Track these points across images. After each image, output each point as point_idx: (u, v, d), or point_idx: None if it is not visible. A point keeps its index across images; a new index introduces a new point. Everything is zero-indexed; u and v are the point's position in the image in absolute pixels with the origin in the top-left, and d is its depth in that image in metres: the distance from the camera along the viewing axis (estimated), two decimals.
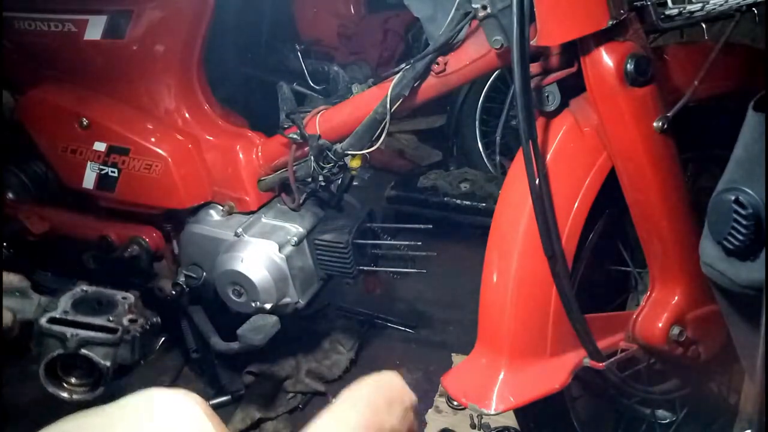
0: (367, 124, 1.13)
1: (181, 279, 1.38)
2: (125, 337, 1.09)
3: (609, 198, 0.97)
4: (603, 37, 0.87)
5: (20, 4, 1.35)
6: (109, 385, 1.08)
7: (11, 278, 1.08)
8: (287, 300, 1.31)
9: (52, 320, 1.07)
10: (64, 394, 1.06)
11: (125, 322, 1.10)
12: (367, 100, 1.14)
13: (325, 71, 1.79)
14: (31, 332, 1.07)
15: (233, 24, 1.44)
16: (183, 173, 1.33)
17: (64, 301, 1.10)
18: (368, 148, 1.16)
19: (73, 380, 1.07)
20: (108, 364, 1.07)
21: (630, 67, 0.87)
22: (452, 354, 1.69)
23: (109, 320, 1.09)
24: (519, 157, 0.93)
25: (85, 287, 1.13)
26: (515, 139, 0.87)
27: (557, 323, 0.94)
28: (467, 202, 2.16)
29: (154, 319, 1.19)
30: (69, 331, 1.05)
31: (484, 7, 0.92)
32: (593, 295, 1.05)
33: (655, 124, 0.90)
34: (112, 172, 1.36)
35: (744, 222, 0.65)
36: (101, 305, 1.11)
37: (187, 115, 1.36)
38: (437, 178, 2.25)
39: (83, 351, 1.05)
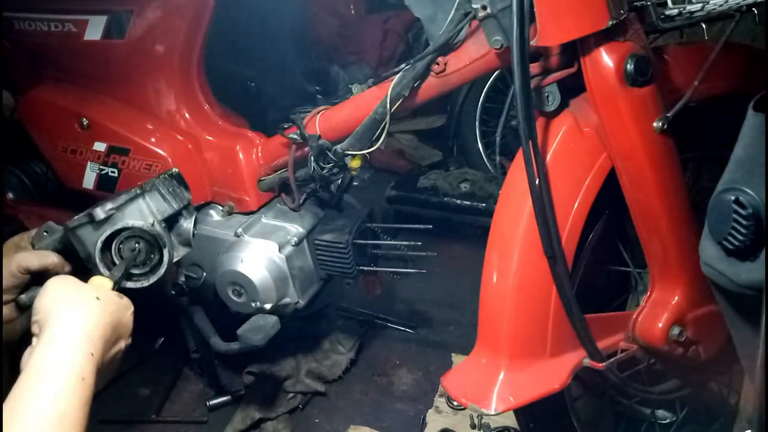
0: (367, 124, 1.13)
1: (181, 279, 1.38)
2: (146, 188, 1.01)
3: (609, 198, 0.97)
4: (603, 37, 0.87)
5: (20, 4, 1.35)
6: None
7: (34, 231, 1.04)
8: (287, 300, 1.31)
9: (74, 219, 0.99)
10: (136, 284, 0.98)
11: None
12: (367, 100, 1.14)
13: (325, 71, 1.79)
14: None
15: (233, 24, 1.44)
16: (183, 173, 1.32)
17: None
18: (368, 149, 1.16)
19: (138, 270, 0.98)
20: (151, 220, 0.99)
21: (630, 67, 0.87)
22: (452, 354, 1.69)
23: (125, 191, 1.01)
24: (519, 157, 0.93)
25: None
26: (515, 139, 0.87)
27: (557, 323, 0.94)
28: (467, 202, 2.16)
29: (173, 170, 1.11)
30: (94, 209, 0.97)
31: (484, 7, 0.92)
32: (593, 295, 1.05)
33: (655, 124, 0.90)
34: (112, 172, 1.36)
35: (744, 222, 0.65)
36: None
37: (187, 115, 1.36)
38: (437, 178, 2.25)
39: (120, 224, 0.96)
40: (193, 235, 1.07)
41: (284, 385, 1.59)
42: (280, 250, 1.28)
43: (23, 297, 0.95)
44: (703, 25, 0.93)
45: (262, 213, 1.36)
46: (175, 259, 1.03)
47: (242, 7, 1.33)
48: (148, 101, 1.36)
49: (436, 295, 1.94)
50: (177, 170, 1.11)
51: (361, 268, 1.29)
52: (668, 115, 0.90)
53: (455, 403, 1.51)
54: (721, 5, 0.88)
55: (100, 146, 1.37)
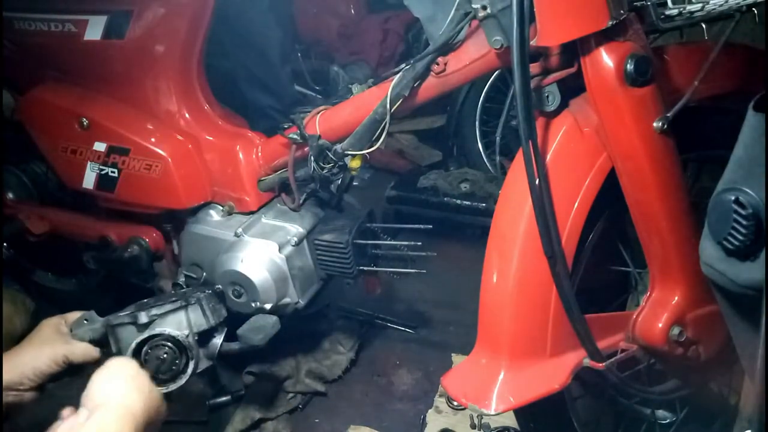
0: (367, 124, 1.13)
1: (181, 279, 1.38)
2: (190, 301, 1.07)
3: (609, 198, 0.97)
4: (603, 37, 0.87)
5: (20, 4, 1.35)
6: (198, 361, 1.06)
7: (74, 315, 1.08)
8: (287, 300, 1.31)
9: (118, 316, 1.06)
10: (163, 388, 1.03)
11: (182, 294, 1.10)
12: (367, 101, 1.14)
13: (325, 71, 1.80)
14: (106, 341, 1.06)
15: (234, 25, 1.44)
16: (183, 173, 1.33)
17: (127, 309, 1.09)
18: (368, 149, 1.16)
19: (161, 376, 1.03)
20: (185, 332, 1.04)
21: (630, 67, 0.87)
22: (452, 354, 1.69)
23: (170, 299, 1.08)
24: (519, 157, 0.93)
25: (142, 301, 1.12)
26: (515, 139, 0.87)
27: (557, 323, 0.94)
28: (467, 202, 2.16)
29: (216, 287, 1.21)
30: (138, 311, 1.04)
31: (484, 7, 0.92)
32: (593, 295, 1.05)
33: (654, 124, 0.90)
34: (112, 172, 1.36)
35: (744, 222, 0.65)
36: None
37: (187, 115, 1.36)
38: (437, 178, 2.25)
39: (157, 330, 1.03)
40: (220, 352, 1.12)
41: (284, 385, 1.59)
42: (280, 250, 1.28)
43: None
44: (703, 25, 0.93)
45: (262, 213, 1.36)
46: (198, 371, 1.07)
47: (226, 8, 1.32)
48: (148, 101, 1.36)
49: (436, 295, 1.94)
50: (221, 288, 1.22)
51: (361, 268, 1.29)
52: (668, 115, 0.90)
53: (455, 403, 1.51)
54: (721, 5, 0.88)
55: (100, 146, 1.37)
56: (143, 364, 0.99)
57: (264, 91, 1.44)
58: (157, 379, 1.00)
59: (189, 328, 1.06)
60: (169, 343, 1.03)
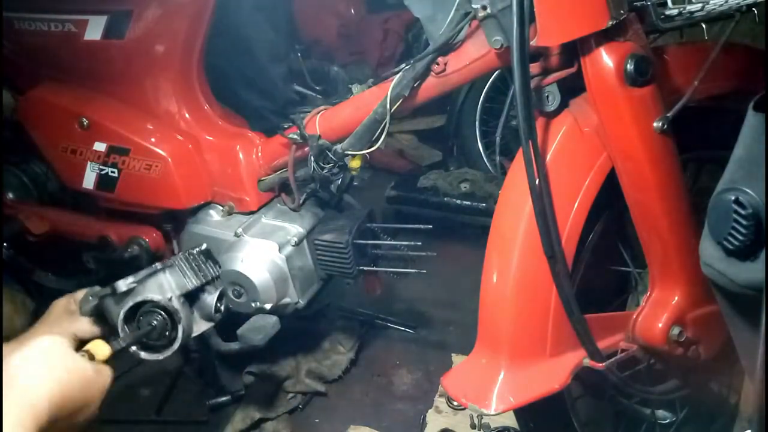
0: (367, 124, 1.13)
1: None
2: (167, 263, 1.06)
3: (609, 198, 0.97)
4: (603, 37, 0.87)
5: (20, 4, 1.35)
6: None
7: (82, 293, 1.10)
8: (287, 300, 1.31)
9: (99, 290, 1.06)
10: (151, 355, 1.02)
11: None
12: (367, 101, 1.14)
13: (325, 71, 1.79)
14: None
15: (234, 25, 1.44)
16: (183, 173, 1.33)
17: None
18: (368, 149, 1.16)
19: (156, 342, 1.02)
20: (169, 295, 1.04)
21: (630, 67, 0.87)
22: (452, 354, 1.69)
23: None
24: (519, 157, 0.92)
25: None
26: (515, 139, 0.87)
27: (557, 323, 0.94)
28: (467, 202, 2.16)
29: (202, 247, 1.15)
30: (117, 282, 1.03)
31: (484, 8, 0.92)
32: (593, 295, 1.05)
33: (654, 124, 0.90)
34: (112, 172, 1.36)
35: (744, 222, 0.65)
36: None
37: (187, 115, 1.36)
38: (437, 178, 2.25)
39: (139, 298, 1.02)
40: (216, 309, 1.11)
41: (284, 385, 1.59)
42: (280, 250, 1.28)
43: None
44: (703, 25, 0.92)
45: (262, 213, 1.36)
46: (195, 334, 1.08)
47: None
48: (148, 101, 1.35)
49: (436, 295, 1.94)
50: (206, 246, 1.16)
51: (361, 268, 1.29)
52: (668, 115, 0.90)
53: (455, 403, 1.51)
54: (721, 5, 0.88)
55: (100, 146, 1.36)
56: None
57: (254, 92, 1.44)
58: (153, 346, 1.01)
59: (171, 291, 1.05)
60: (157, 309, 1.02)
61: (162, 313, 1.03)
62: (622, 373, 1.10)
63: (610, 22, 0.84)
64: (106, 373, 0.83)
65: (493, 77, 2.33)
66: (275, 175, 1.32)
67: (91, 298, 1.06)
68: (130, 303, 1.03)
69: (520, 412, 1.13)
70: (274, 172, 1.33)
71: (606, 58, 0.88)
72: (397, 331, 1.82)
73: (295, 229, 1.31)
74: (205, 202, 1.37)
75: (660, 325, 1.02)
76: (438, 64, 1.04)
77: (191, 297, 1.09)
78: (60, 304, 1.06)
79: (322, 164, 1.21)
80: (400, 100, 1.09)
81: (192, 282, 1.07)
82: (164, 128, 1.35)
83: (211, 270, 1.12)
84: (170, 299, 1.04)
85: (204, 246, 1.15)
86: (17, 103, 1.51)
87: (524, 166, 0.86)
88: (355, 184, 1.54)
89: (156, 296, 1.03)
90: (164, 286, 1.05)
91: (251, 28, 1.38)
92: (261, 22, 1.41)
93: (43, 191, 1.68)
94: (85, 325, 1.04)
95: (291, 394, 1.59)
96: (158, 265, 1.05)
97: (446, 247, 2.01)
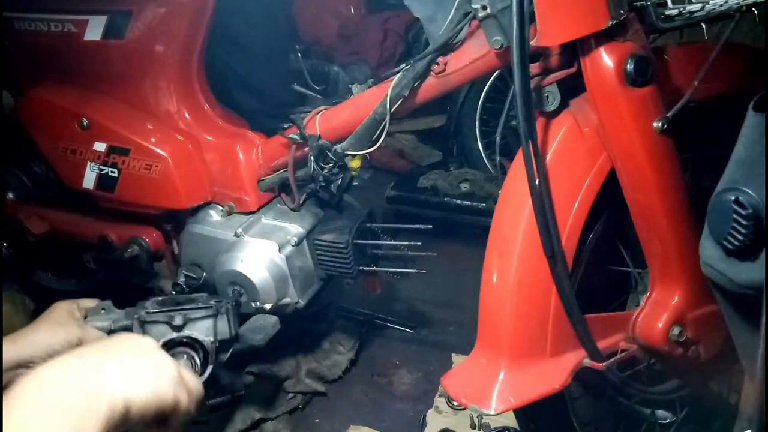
0: (367, 124, 1.13)
1: (181, 279, 1.38)
2: (221, 310, 1.10)
3: (609, 198, 0.97)
4: (603, 37, 0.87)
5: (20, 4, 1.35)
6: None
7: (88, 303, 1.10)
8: (287, 300, 1.31)
9: (151, 313, 1.08)
10: None
11: (213, 302, 1.11)
12: (367, 101, 1.14)
13: (325, 71, 1.79)
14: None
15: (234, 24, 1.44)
16: (183, 173, 1.33)
17: (149, 305, 1.10)
18: (368, 149, 1.16)
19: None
20: (211, 338, 1.07)
21: (630, 67, 0.87)
22: (452, 354, 1.69)
23: (199, 304, 1.11)
24: (519, 157, 0.93)
25: (156, 298, 1.13)
26: (515, 139, 0.87)
27: (557, 323, 0.94)
28: (467, 202, 2.16)
29: (239, 297, 1.24)
30: (174, 313, 1.07)
31: (484, 7, 0.92)
32: (593, 295, 1.05)
33: (654, 124, 0.90)
34: (112, 172, 1.36)
35: (744, 222, 0.65)
36: (180, 303, 1.12)
37: (187, 115, 1.36)
38: (437, 178, 2.25)
39: (186, 332, 1.06)
40: (226, 363, 1.16)
41: (284, 385, 1.59)
42: (280, 250, 1.28)
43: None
44: (703, 25, 0.92)
45: (262, 213, 1.36)
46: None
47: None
48: (148, 101, 1.36)
49: (436, 295, 1.94)
50: (244, 299, 1.26)
51: (361, 268, 1.29)
52: (668, 115, 0.90)
53: (455, 403, 1.51)
54: (721, 5, 0.88)
55: (100, 146, 1.37)
56: None
57: (248, 93, 1.44)
58: None
59: (214, 335, 1.09)
60: (194, 346, 1.06)
61: (200, 351, 1.06)
62: (622, 373, 1.10)
63: (610, 22, 0.84)
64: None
65: (493, 77, 2.33)
66: (275, 175, 1.32)
67: (103, 310, 1.08)
68: (174, 336, 1.06)
69: (520, 412, 1.13)
70: (274, 172, 1.33)
71: (606, 58, 0.88)
72: (397, 331, 1.82)
73: (295, 229, 1.31)
74: (205, 202, 1.37)
75: (660, 325, 1.02)
76: (438, 64, 1.04)
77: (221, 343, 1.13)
78: (63, 307, 1.05)
79: (322, 164, 1.22)
80: (400, 100, 1.09)
81: (231, 333, 1.12)
82: (164, 128, 1.35)
83: (237, 328, 1.17)
84: (213, 342, 1.08)
85: (243, 298, 1.25)
86: (17, 103, 1.51)
87: (524, 166, 0.86)
88: (355, 184, 1.54)
89: (203, 337, 1.07)
90: (210, 329, 1.09)
91: (246, 28, 1.39)
92: (260, 22, 1.41)
93: (43, 191, 1.68)
94: (92, 334, 1.03)
95: (291, 394, 1.59)
96: (212, 309, 1.09)
97: (446, 247, 2.02)
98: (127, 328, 1.08)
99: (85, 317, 1.07)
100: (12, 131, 1.55)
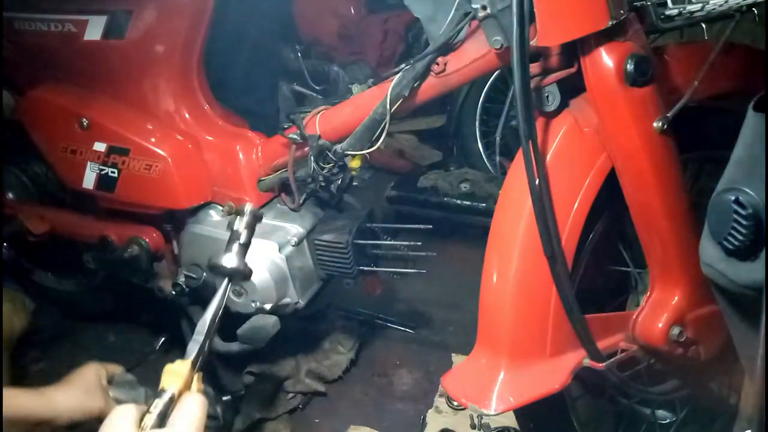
0: (367, 124, 1.13)
1: (181, 279, 1.38)
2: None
3: (609, 198, 0.97)
4: (603, 37, 0.87)
5: (20, 4, 1.35)
6: None
7: (116, 369, 1.12)
8: (287, 300, 1.31)
9: None
10: None
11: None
12: (367, 101, 1.14)
13: (325, 71, 1.79)
14: None
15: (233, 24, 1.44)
16: (183, 173, 1.33)
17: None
18: (368, 149, 1.16)
19: None
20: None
21: (630, 67, 0.87)
22: (452, 354, 1.69)
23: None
24: (519, 157, 0.93)
25: None
26: (515, 139, 0.87)
27: (557, 323, 0.94)
28: (467, 202, 2.16)
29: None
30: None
31: (484, 8, 0.92)
32: (593, 295, 1.05)
33: (655, 124, 0.90)
34: (111, 172, 1.36)
35: (744, 222, 0.65)
36: None
37: (187, 115, 1.36)
38: (437, 178, 2.25)
39: None
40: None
41: (284, 385, 1.59)
42: (280, 250, 1.28)
43: None
44: (703, 25, 0.92)
45: (262, 213, 1.35)
46: None
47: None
48: (148, 101, 1.35)
49: (436, 295, 1.94)
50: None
51: (361, 268, 1.29)
52: (668, 115, 0.90)
53: (455, 403, 1.51)
54: (721, 5, 0.88)
55: (100, 146, 1.36)
56: None
57: (241, 93, 1.44)
58: None
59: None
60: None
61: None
62: (622, 373, 1.10)
63: (610, 22, 0.84)
64: None
65: (493, 77, 2.32)
66: (275, 175, 1.32)
67: (128, 384, 1.10)
68: None
69: (520, 412, 1.13)
70: (274, 172, 1.33)
71: (606, 58, 0.88)
72: (397, 331, 1.82)
73: (295, 229, 1.31)
74: (205, 202, 1.37)
75: (660, 325, 1.01)
76: (438, 64, 1.04)
77: None
78: (94, 371, 1.07)
79: (322, 164, 1.21)
80: (400, 100, 1.09)
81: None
82: (164, 128, 1.35)
83: None
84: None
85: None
86: (17, 103, 1.51)
87: (524, 166, 0.86)
88: (355, 184, 1.54)
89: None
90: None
91: (239, 28, 1.38)
92: (259, 22, 1.41)
93: (43, 191, 1.68)
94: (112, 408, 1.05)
95: (291, 394, 1.59)
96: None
97: (446, 247, 2.02)
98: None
99: (110, 381, 1.09)
100: (12, 131, 1.55)
